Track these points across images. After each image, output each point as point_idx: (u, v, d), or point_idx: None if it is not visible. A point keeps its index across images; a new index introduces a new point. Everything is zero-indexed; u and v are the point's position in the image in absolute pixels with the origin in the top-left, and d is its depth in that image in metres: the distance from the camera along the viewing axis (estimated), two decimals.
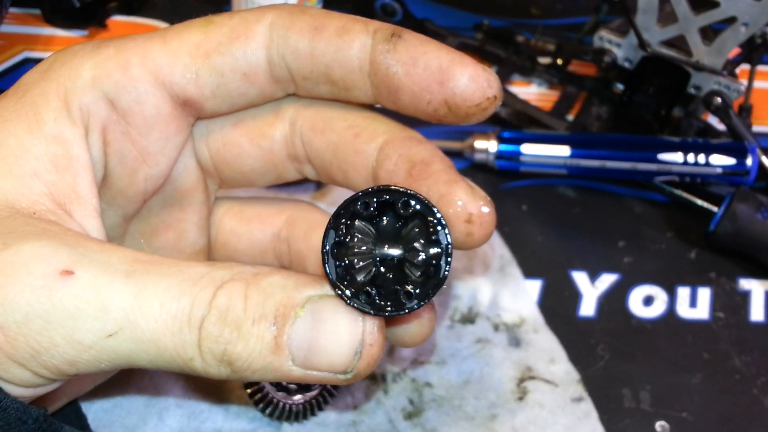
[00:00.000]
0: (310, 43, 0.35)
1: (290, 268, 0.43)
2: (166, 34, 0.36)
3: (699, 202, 0.59)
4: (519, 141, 0.60)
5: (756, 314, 0.55)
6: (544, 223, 0.59)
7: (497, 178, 0.61)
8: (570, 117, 0.66)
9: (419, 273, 0.31)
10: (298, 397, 0.44)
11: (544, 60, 0.69)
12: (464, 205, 0.34)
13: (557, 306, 0.54)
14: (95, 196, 0.35)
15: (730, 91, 0.60)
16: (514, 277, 0.55)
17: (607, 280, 0.56)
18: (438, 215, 0.31)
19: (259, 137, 0.40)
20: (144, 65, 0.35)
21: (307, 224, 0.42)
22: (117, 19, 0.70)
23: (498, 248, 0.56)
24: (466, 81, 0.34)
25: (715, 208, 0.58)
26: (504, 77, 0.68)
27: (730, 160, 0.59)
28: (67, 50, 0.36)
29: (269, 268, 0.32)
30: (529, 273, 0.55)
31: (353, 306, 0.31)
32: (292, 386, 0.44)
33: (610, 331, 0.53)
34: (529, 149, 0.59)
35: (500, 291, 0.54)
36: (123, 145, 0.36)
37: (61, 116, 0.34)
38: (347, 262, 0.31)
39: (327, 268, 0.31)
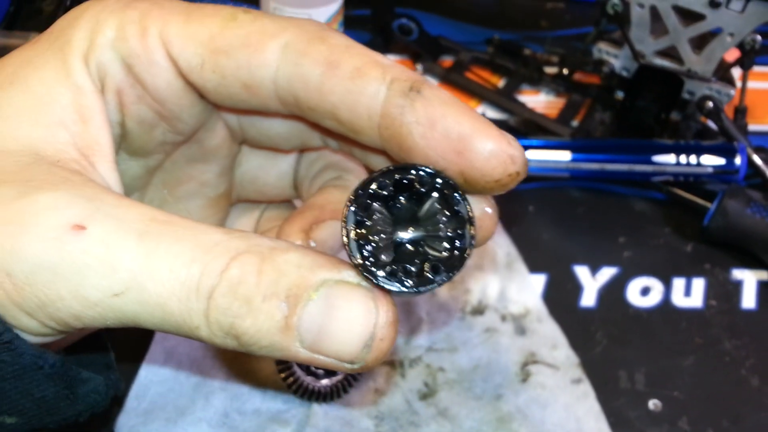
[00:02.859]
0: (320, 77, 0.33)
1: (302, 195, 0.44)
2: (191, 13, 0.35)
3: (694, 199, 0.64)
4: (524, 148, 0.65)
5: (747, 302, 0.60)
6: (548, 222, 0.64)
7: None
8: (575, 123, 0.71)
9: (444, 246, 0.31)
10: (325, 381, 0.51)
11: (550, 70, 0.74)
12: None
13: (560, 298, 0.59)
14: (114, 151, 0.35)
15: (720, 96, 0.65)
16: (520, 273, 0.60)
17: (607, 273, 0.61)
18: (457, 188, 0.31)
19: None
20: (160, 37, 0.34)
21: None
22: None
23: (505, 246, 0.62)
24: (487, 155, 0.32)
25: (709, 204, 0.63)
26: (514, 87, 0.74)
27: (720, 160, 0.63)
28: (98, 1, 0.35)
29: (287, 243, 0.31)
30: (534, 268, 0.61)
31: (381, 286, 0.30)
32: (320, 371, 0.51)
33: (608, 320, 0.58)
34: (533, 155, 0.65)
35: (507, 285, 0.59)
36: (139, 107, 0.36)
37: (84, 68, 0.34)
38: (369, 241, 0.31)
39: (351, 250, 0.30)
